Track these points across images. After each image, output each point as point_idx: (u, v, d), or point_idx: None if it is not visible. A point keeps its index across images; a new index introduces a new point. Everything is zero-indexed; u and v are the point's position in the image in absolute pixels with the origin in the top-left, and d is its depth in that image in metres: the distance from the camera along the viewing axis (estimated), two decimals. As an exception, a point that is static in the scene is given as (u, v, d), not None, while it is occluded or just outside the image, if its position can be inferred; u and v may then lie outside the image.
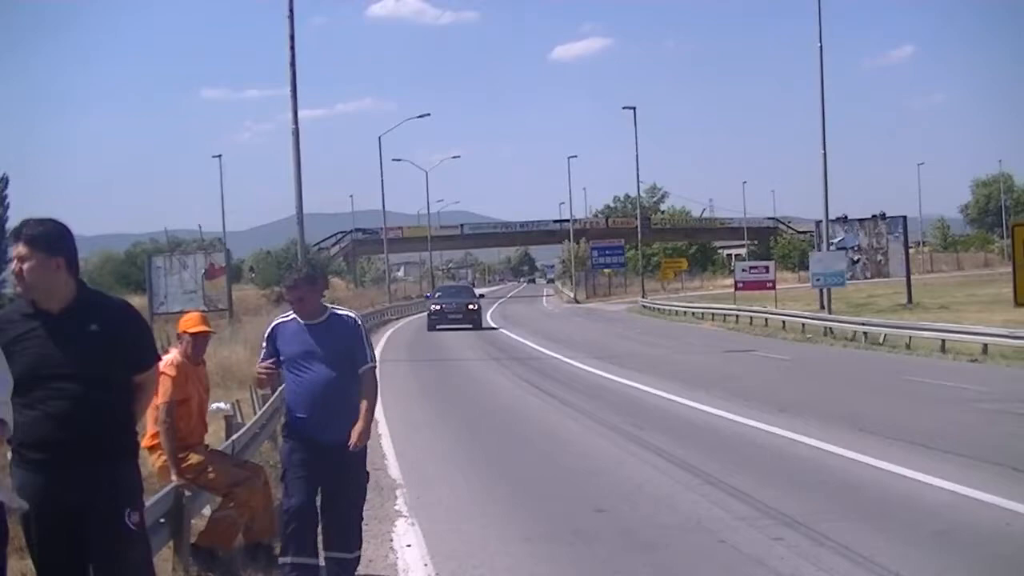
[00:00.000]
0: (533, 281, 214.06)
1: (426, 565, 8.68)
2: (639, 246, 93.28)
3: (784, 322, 41.58)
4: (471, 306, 50.62)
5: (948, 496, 10.65)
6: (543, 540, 9.47)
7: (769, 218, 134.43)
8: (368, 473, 7.83)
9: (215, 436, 10.69)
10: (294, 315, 7.56)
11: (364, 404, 7.58)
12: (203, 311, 17.24)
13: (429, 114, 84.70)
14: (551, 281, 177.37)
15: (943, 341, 28.77)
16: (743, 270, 55.78)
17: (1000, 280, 54.60)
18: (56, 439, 4.98)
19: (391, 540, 9.60)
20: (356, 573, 7.71)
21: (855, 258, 55.57)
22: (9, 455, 5.12)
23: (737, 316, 47.51)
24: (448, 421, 18.36)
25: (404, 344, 41.13)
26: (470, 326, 48.74)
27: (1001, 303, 42.27)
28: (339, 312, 7.73)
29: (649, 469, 12.79)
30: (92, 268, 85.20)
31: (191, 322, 8.80)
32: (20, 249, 5.05)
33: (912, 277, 55.56)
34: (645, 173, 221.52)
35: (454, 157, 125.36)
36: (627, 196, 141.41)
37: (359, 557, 7.76)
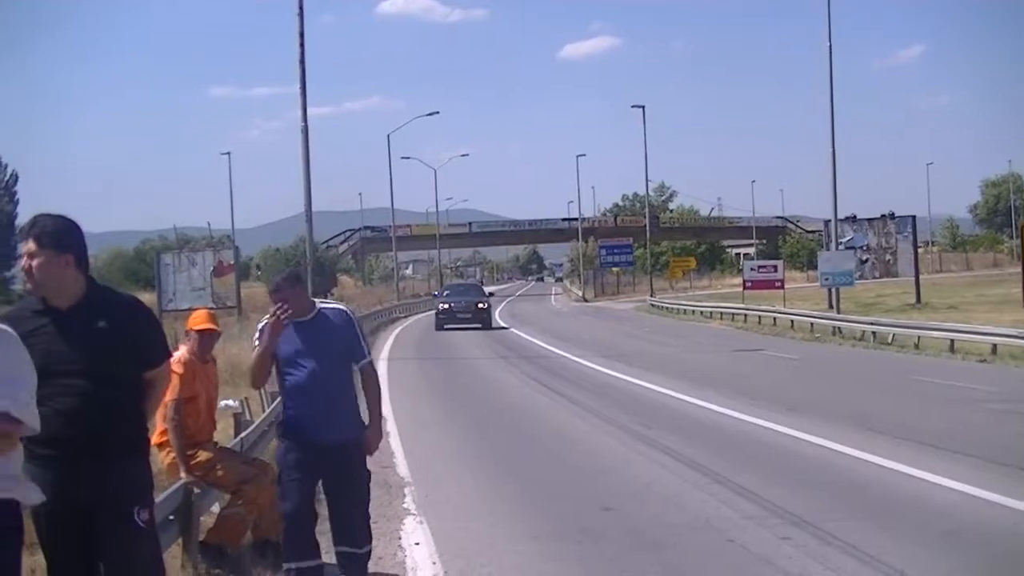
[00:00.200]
0: (541, 279, 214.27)
1: (434, 563, 8.68)
2: (647, 245, 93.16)
3: (792, 321, 41.51)
4: (480, 305, 48.99)
5: (956, 496, 10.64)
6: (551, 538, 9.47)
7: (778, 217, 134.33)
8: (370, 472, 7.72)
9: (224, 433, 10.70)
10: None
11: (370, 401, 7.59)
12: (211, 309, 17.28)
13: (438, 112, 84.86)
14: (559, 279, 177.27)
15: (952, 341, 28.70)
16: (751, 269, 55.72)
17: (1009, 280, 54.55)
18: (65, 436, 4.98)
19: (399, 538, 9.61)
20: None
21: (864, 258, 55.42)
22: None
23: (745, 315, 47.43)
24: (456, 419, 18.37)
25: (412, 342, 41.14)
26: (479, 326, 47.09)
27: (1010, 303, 42.33)
28: (328, 308, 7.58)
29: (657, 468, 12.79)
30: (101, 265, 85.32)
31: (198, 320, 8.82)
32: (30, 245, 5.06)
33: (921, 277, 55.41)
34: (654, 172, 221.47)
35: (463, 155, 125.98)
36: (636, 195, 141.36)
37: (370, 552, 7.68)
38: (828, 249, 48.88)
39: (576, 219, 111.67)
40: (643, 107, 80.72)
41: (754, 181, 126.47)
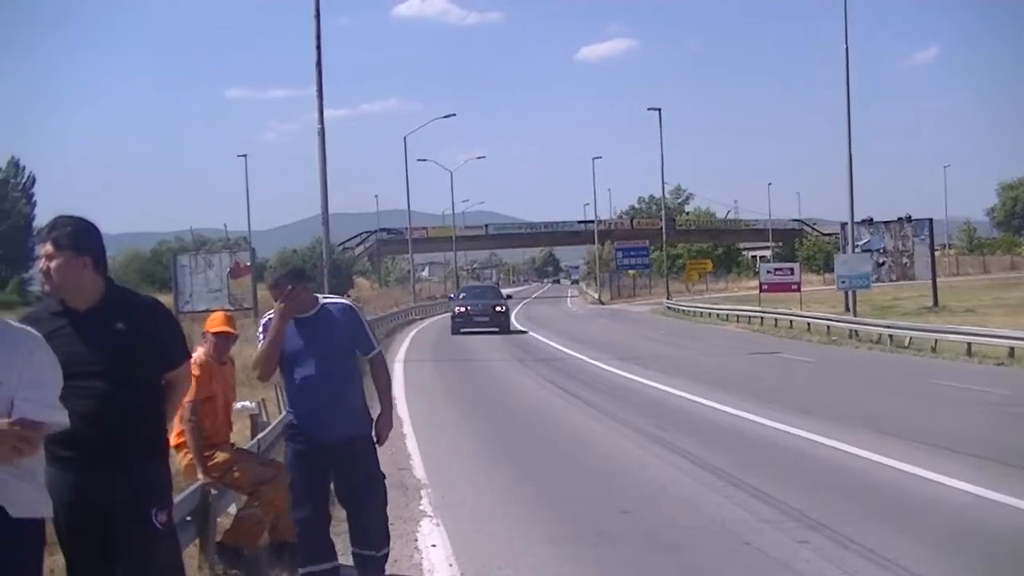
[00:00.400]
0: (557, 282, 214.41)
1: (451, 565, 8.68)
2: (664, 247, 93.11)
3: (809, 324, 41.44)
4: (498, 308, 47.39)
5: (972, 499, 10.61)
6: (567, 541, 9.47)
7: (794, 220, 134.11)
8: (384, 474, 7.67)
9: (241, 435, 10.73)
10: None
11: (380, 391, 7.55)
12: (228, 310, 17.30)
13: (454, 114, 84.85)
14: (575, 282, 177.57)
15: (969, 344, 28.62)
16: (768, 272, 55.65)
17: (1027, 283, 54.35)
18: (83, 438, 4.97)
19: (416, 540, 9.61)
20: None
21: (881, 260, 55.28)
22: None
23: (762, 318, 47.38)
24: (472, 421, 18.38)
25: (429, 344, 41.17)
26: (497, 330, 45.74)
27: (1028, 306, 42.16)
28: (331, 303, 7.49)
29: (673, 470, 12.78)
30: (118, 267, 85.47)
31: (214, 322, 8.84)
32: (47, 247, 5.05)
33: (938, 280, 55.31)
34: (670, 174, 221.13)
35: (479, 157, 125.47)
36: (652, 197, 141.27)
37: (387, 555, 7.66)
38: (845, 252, 48.74)
39: (592, 221, 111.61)
40: (659, 109, 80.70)
41: (770, 184, 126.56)
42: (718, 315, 55.59)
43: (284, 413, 7.52)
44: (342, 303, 7.59)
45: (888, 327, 34.64)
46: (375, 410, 7.58)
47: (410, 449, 14.86)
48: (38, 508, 4.40)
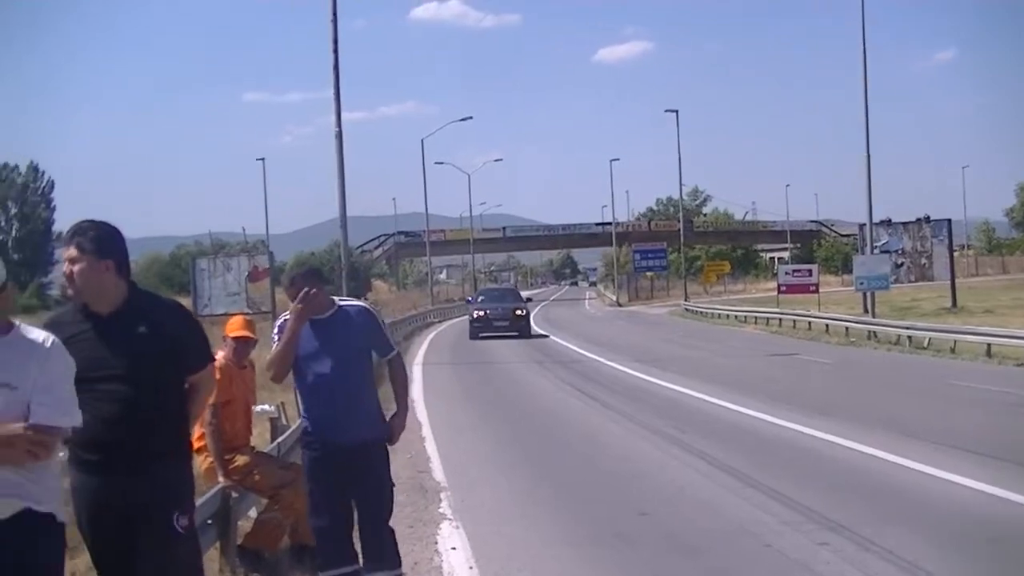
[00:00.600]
0: (575, 284, 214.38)
1: (471, 568, 8.70)
2: (681, 249, 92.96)
3: (827, 325, 41.34)
4: (519, 311, 45.40)
5: (993, 501, 10.58)
6: (587, 543, 9.48)
7: (812, 221, 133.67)
8: (394, 484, 7.48)
9: (260, 438, 10.76)
10: None
11: (398, 391, 7.46)
12: (247, 314, 17.34)
13: (472, 117, 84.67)
14: (593, 284, 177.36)
15: (988, 345, 28.53)
16: (786, 273, 55.63)
17: (1046, 284, 54.16)
18: (106, 441, 5.00)
19: (436, 543, 9.63)
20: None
21: (899, 261, 55.14)
22: (64, 455, 5.15)
23: (780, 320, 47.32)
24: (491, 424, 18.40)
25: (447, 346, 41.20)
26: (517, 334, 43.95)
27: (1047, 307, 42.01)
28: (348, 305, 7.34)
29: (691, 472, 12.78)
30: (137, 270, 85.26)
31: (234, 327, 8.88)
32: (71, 251, 5.05)
33: (957, 280, 55.12)
34: (688, 176, 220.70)
35: (496, 160, 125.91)
36: (669, 199, 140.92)
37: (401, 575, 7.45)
38: (863, 253, 48.60)
39: (610, 223, 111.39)
40: (676, 111, 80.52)
41: (788, 185, 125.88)
42: (736, 317, 55.47)
43: (300, 419, 7.45)
44: (359, 305, 7.46)
45: (907, 328, 34.54)
46: (390, 414, 7.47)
47: (429, 452, 14.89)
48: (56, 511, 4.42)
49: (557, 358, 33.29)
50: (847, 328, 39.11)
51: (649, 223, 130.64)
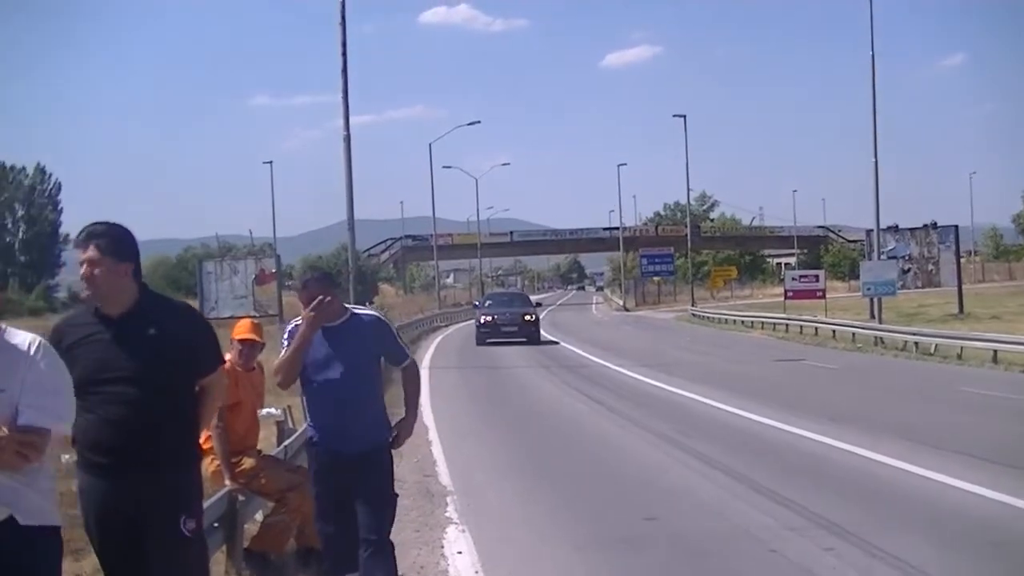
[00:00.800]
0: (582, 288, 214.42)
1: (477, 572, 8.71)
2: (688, 254, 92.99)
3: (834, 331, 41.27)
4: (528, 317, 43.82)
5: (1000, 507, 10.56)
6: (593, 548, 9.47)
7: (819, 227, 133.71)
8: (396, 494, 7.35)
9: (267, 442, 10.78)
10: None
11: (409, 397, 7.38)
12: (254, 317, 17.37)
13: (479, 121, 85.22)
14: (600, 289, 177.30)
15: (995, 351, 28.46)
16: (793, 279, 55.52)
17: (1054, 290, 54.06)
18: (113, 444, 5.01)
19: (442, 547, 9.63)
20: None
21: (906, 267, 55.19)
22: (70, 457, 5.16)
23: (787, 325, 47.26)
24: (497, 428, 18.40)
25: (454, 350, 41.16)
26: (525, 340, 42.27)
27: (1055, 313, 41.93)
28: (361, 313, 7.28)
29: (698, 477, 12.78)
30: (144, 273, 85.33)
31: (241, 330, 8.89)
32: (91, 253, 5.04)
33: (963, 287, 55.08)
34: (695, 181, 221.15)
35: (504, 164, 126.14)
36: (677, 204, 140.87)
37: None
38: (870, 259, 48.64)
39: (617, 228, 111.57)
40: (684, 116, 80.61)
41: (795, 190, 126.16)
42: (743, 322, 55.41)
43: (305, 426, 7.39)
44: (372, 313, 7.43)
45: (914, 334, 34.47)
46: (397, 419, 7.40)
47: (435, 456, 14.89)
48: (49, 516, 4.39)
49: (564, 362, 33.27)
50: (854, 334, 39.07)
51: (656, 228, 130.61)
